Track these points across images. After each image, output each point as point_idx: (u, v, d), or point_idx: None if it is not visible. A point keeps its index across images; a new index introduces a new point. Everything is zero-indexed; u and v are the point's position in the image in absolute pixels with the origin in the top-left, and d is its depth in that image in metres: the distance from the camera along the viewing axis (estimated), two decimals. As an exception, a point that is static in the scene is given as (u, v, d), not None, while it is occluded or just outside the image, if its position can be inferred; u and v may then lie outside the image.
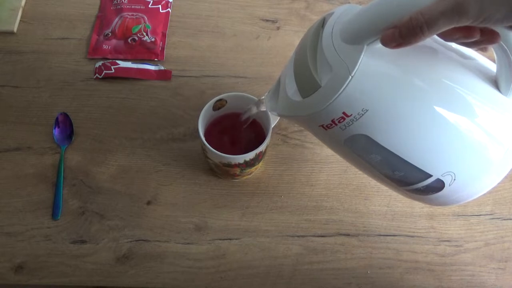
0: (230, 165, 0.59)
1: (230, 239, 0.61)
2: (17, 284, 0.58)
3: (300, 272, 0.60)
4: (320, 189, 0.65)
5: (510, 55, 0.39)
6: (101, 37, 0.75)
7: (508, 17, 0.33)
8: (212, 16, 0.79)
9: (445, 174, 0.44)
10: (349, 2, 0.82)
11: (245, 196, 0.64)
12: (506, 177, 0.45)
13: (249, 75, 0.73)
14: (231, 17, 0.79)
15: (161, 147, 0.67)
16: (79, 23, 0.77)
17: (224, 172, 0.62)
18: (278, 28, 0.78)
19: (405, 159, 0.44)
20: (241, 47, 0.76)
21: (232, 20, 0.78)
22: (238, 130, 0.62)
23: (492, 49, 0.41)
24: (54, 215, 0.61)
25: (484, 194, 0.46)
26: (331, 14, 0.45)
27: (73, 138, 0.67)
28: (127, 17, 0.77)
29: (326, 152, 0.67)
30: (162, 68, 0.73)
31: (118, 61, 0.73)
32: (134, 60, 0.74)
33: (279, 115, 0.51)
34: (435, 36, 0.37)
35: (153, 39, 0.75)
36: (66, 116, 0.68)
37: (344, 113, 0.42)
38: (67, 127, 0.68)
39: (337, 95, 0.41)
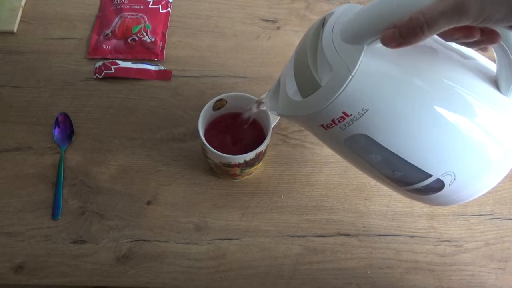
0: (230, 165, 0.59)
1: (230, 239, 0.61)
2: (17, 284, 0.58)
3: (300, 272, 0.60)
4: (320, 189, 0.65)
5: (510, 55, 0.39)
6: (101, 37, 0.75)
7: (508, 17, 0.33)
8: (212, 16, 0.79)
9: (445, 174, 0.44)
10: (349, 2, 0.82)
11: (245, 196, 0.64)
12: (506, 177, 0.45)
13: (249, 75, 0.73)
14: (231, 17, 0.79)
15: (161, 147, 0.67)
16: (79, 23, 0.77)
17: (224, 172, 0.62)
18: (278, 28, 0.78)
19: (405, 159, 0.44)
20: (241, 47, 0.76)
21: (232, 20, 0.78)
22: (238, 130, 0.62)
23: (492, 49, 0.41)
24: (54, 215, 0.61)
25: (484, 194, 0.46)
26: (331, 14, 0.45)
27: (73, 138, 0.67)
28: (127, 17, 0.77)
29: (326, 152, 0.67)
30: (162, 68, 0.73)
31: (118, 61, 0.73)
32: (134, 60, 0.74)
33: (279, 115, 0.51)
34: (435, 36, 0.37)
35: (153, 39, 0.75)
36: (66, 116, 0.68)
37: (344, 112, 0.42)
38: (67, 127, 0.68)
39: (337, 94, 0.41)
